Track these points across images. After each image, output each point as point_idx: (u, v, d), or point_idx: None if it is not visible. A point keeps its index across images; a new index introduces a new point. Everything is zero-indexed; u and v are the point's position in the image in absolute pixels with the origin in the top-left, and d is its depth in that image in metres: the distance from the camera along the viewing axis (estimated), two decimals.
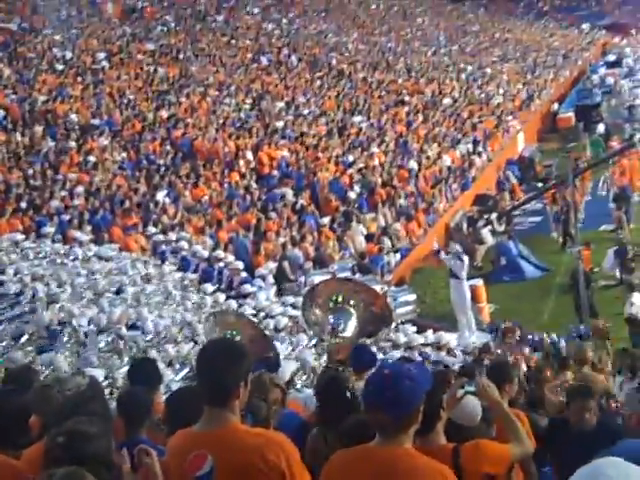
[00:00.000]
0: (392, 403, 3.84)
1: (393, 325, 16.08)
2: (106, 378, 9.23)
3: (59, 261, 15.91)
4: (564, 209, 26.18)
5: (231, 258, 18.52)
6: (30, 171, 20.72)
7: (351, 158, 27.80)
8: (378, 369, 4.28)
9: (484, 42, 55.44)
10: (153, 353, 11.17)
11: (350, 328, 7.49)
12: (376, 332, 8.11)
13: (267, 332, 12.92)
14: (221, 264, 18.11)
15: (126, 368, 8.91)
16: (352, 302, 7.53)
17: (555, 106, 43.72)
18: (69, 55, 30.62)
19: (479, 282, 21.09)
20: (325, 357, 9.24)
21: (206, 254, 18.47)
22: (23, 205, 18.88)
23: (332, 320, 7.59)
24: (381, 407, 3.86)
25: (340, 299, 7.74)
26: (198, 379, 4.16)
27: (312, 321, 8.22)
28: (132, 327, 13.11)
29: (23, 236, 16.93)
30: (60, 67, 29.11)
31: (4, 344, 11.07)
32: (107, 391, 8.57)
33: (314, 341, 11.84)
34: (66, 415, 4.13)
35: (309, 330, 10.57)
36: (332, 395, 5.76)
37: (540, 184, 32.51)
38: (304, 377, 10.40)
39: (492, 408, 5.29)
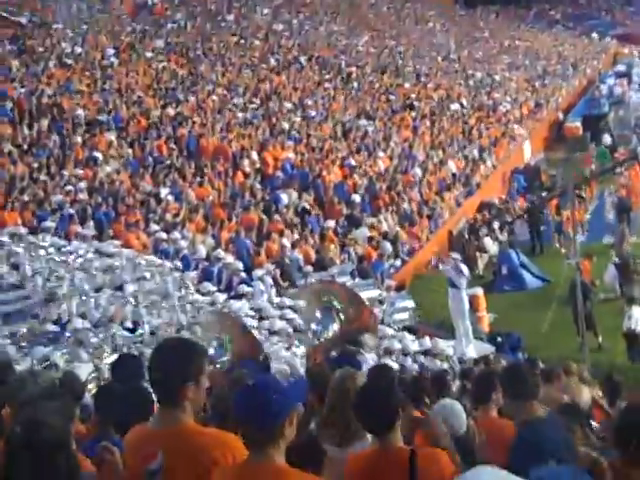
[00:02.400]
0: (258, 415, 3.84)
1: (390, 332, 16.15)
2: (92, 373, 9.28)
3: (60, 257, 15.96)
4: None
5: (231, 258, 18.57)
6: (35, 165, 20.78)
7: (356, 162, 27.83)
8: (246, 382, 4.29)
9: (494, 49, 55.43)
10: (146, 351, 11.18)
11: (330, 331, 7.53)
12: (356, 338, 8.15)
13: (261, 333, 12.99)
14: (220, 264, 18.16)
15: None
16: (341, 315, 7.58)
17: (561, 115, 43.69)
18: (78, 50, 30.65)
19: (479, 291, 21.05)
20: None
21: (205, 253, 18.52)
22: (26, 199, 18.94)
23: (318, 314, 7.63)
24: (248, 419, 3.88)
25: (335, 303, 7.77)
26: (149, 376, 4.21)
27: (301, 308, 8.25)
28: (128, 325, 13.19)
29: (25, 230, 16.98)
30: (69, 62, 29.16)
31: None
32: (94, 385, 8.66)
33: (302, 349, 11.82)
34: (34, 406, 4.20)
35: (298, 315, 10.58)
36: None
37: (545, 193, 32.50)
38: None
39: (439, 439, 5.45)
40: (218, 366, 6.88)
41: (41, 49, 29.54)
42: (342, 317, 7.71)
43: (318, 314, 7.95)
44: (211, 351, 7.04)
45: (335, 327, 7.64)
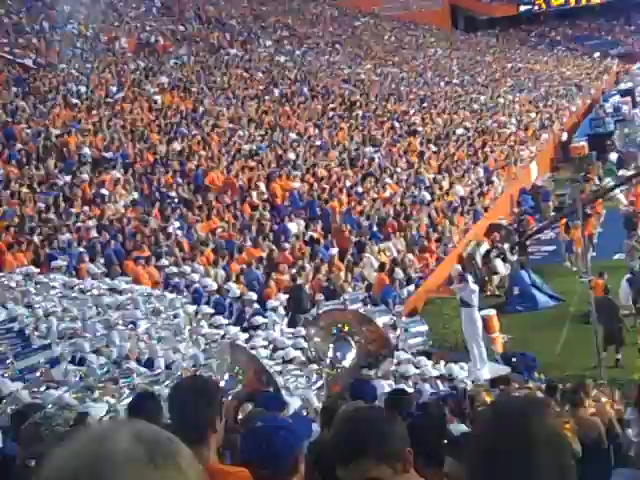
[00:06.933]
0: (268, 456, 3.77)
1: (405, 356, 16.10)
2: (108, 412, 9.21)
3: (72, 295, 15.96)
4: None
5: (243, 290, 18.56)
6: (43, 205, 20.84)
7: (363, 189, 27.86)
8: (252, 424, 4.22)
9: (496, 72, 55.58)
10: (161, 388, 11.11)
11: (348, 359, 7.48)
12: (375, 364, 8.08)
13: (275, 365, 12.94)
14: (231, 296, 18.15)
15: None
16: (355, 337, 7.53)
17: (564, 135, 43.67)
18: (83, 89, 30.87)
19: (491, 312, 20.99)
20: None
21: (215, 286, 18.50)
22: (36, 238, 18.97)
23: (332, 347, 7.59)
24: (258, 461, 3.78)
25: (345, 328, 7.73)
26: (171, 418, 4.12)
27: (312, 346, 8.23)
28: (143, 361, 13.14)
29: (37, 269, 16.99)
30: (74, 101, 29.35)
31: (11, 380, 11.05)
32: None
33: (319, 382, 11.68)
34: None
35: (311, 353, 10.52)
36: None
37: (553, 213, 32.46)
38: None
39: None
40: (230, 398, 6.79)
41: (47, 89, 29.75)
42: (357, 339, 7.62)
43: (331, 347, 7.86)
44: (222, 383, 6.95)
45: (353, 354, 7.55)
